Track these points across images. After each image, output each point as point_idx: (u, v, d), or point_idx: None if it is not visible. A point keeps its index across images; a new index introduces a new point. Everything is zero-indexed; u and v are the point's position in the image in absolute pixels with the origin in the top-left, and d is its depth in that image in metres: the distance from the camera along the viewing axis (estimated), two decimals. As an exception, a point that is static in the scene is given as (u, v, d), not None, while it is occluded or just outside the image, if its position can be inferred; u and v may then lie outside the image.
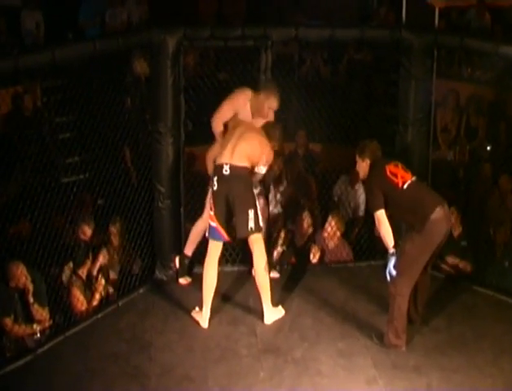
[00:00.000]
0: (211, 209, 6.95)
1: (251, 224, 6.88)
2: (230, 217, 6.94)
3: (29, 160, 8.27)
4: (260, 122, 7.23)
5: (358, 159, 6.84)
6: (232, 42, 7.60)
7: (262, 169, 7.11)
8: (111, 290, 7.66)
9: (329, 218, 8.32)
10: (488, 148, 10.11)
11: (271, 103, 7.21)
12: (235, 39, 7.57)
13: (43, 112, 9.84)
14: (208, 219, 7.05)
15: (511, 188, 8.88)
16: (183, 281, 7.74)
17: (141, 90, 9.38)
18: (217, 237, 6.97)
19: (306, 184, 9.24)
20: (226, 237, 6.97)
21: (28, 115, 9.75)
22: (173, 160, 7.61)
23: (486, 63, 10.76)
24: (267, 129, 7.17)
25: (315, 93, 8.94)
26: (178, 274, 7.76)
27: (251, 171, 7.02)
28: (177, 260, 7.74)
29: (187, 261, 7.72)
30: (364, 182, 7.05)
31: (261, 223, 7.00)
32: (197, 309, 7.12)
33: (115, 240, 7.91)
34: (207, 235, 7.05)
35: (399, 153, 7.81)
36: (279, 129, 7.27)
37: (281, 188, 8.90)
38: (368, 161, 6.76)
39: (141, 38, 7.49)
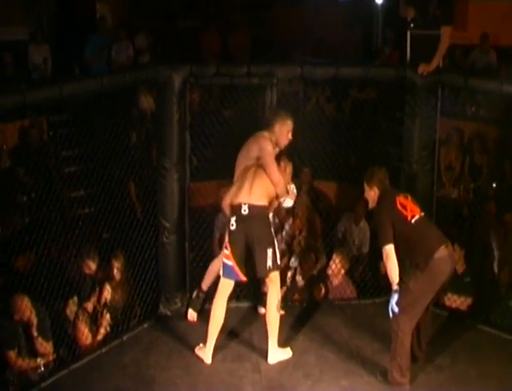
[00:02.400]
0: (226, 248, 6.90)
1: (269, 263, 6.84)
2: (247, 257, 6.88)
3: (35, 193, 8.30)
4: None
5: (366, 186, 6.77)
6: (238, 80, 7.66)
7: (288, 202, 7.21)
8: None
9: (334, 256, 8.29)
10: (494, 185, 10.13)
11: (289, 126, 7.17)
12: (240, 76, 7.64)
13: (50, 146, 9.92)
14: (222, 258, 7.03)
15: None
16: (190, 315, 7.65)
17: (147, 126, 9.46)
18: (232, 276, 6.92)
19: (311, 221, 9.24)
20: (242, 277, 6.92)
21: (35, 148, 9.82)
22: (178, 195, 7.63)
23: (490, 101, 10.83)
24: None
25: (320, 130, 8.98)
26: (190, 304, 7.69)
27: (272, 206, 7.06)
28: (195, 292, 7.69)
29: (202, 296, 7.68)
30: (373, 212, 6.94)
31: (278, 261, 6.98)
32: (201, 345, 7.10)
33: (118, 274, 7.89)
34: (220, 272, 6.99)
35: (404, 191, 7.82)
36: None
37: (287, 225, 8.92)
38: (375, 189, 6.70)
39: (147, 75, 7.53)
